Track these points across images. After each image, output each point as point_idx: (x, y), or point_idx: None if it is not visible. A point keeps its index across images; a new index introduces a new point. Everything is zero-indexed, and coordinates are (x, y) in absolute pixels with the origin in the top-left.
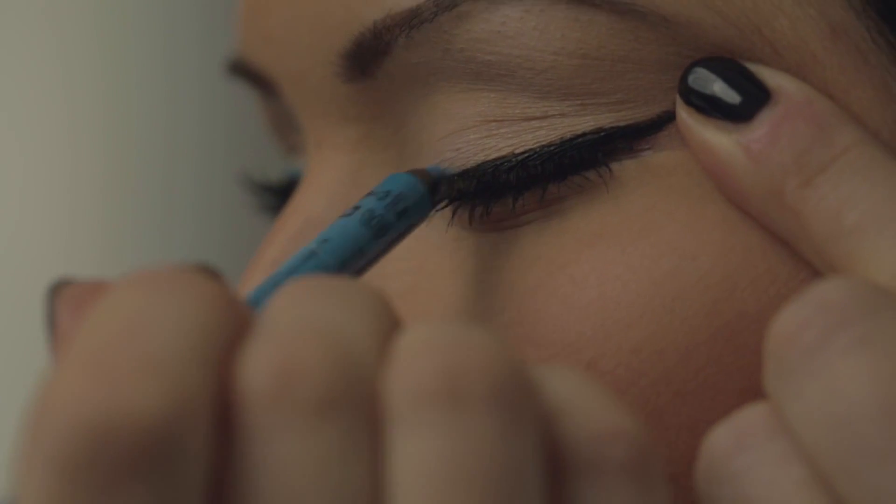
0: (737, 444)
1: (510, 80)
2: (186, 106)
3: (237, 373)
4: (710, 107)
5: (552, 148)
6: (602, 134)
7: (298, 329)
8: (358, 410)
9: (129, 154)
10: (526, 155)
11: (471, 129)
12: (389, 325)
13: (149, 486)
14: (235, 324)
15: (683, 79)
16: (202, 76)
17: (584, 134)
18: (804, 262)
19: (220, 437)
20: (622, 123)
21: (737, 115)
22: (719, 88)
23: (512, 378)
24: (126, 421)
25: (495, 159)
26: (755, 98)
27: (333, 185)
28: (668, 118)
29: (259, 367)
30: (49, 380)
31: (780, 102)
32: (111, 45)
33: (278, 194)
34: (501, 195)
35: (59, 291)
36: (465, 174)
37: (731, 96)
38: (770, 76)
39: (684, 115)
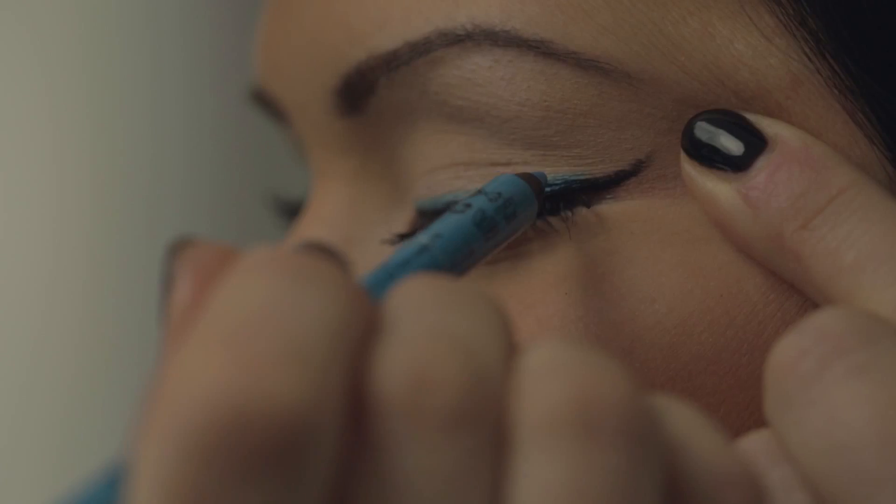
0: None
1: (479, 125)
2: (172, 125)
3: (370, 374)
4: (712, 158)
5: None
6: (561, 186)
7: (433, 335)
8: (487, 427)
9: (114, 175)
10: None
11: (441, 169)
12: (511, 338)
13: (279, 478)
14: (367, 317)
15: (688, 132)
16: (188, 94)
17: (547, 185)
18: (761, 305)
19: (348, 437)
20: (581, 177)
21: (736, 165)
22: (724, 140)
23: (642, 411)
24: (266, 409)
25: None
26: (753, 146)
27: (332, 216)
28: (625, 176)
29: (394, 372)
30: (183, 355)
31: (777, 149)
32: (98, 67)
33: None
34: None
35: (180, 252)
36: (436, 212)
37: (734, 146)
38: (769, 125)
39: (689, 167)
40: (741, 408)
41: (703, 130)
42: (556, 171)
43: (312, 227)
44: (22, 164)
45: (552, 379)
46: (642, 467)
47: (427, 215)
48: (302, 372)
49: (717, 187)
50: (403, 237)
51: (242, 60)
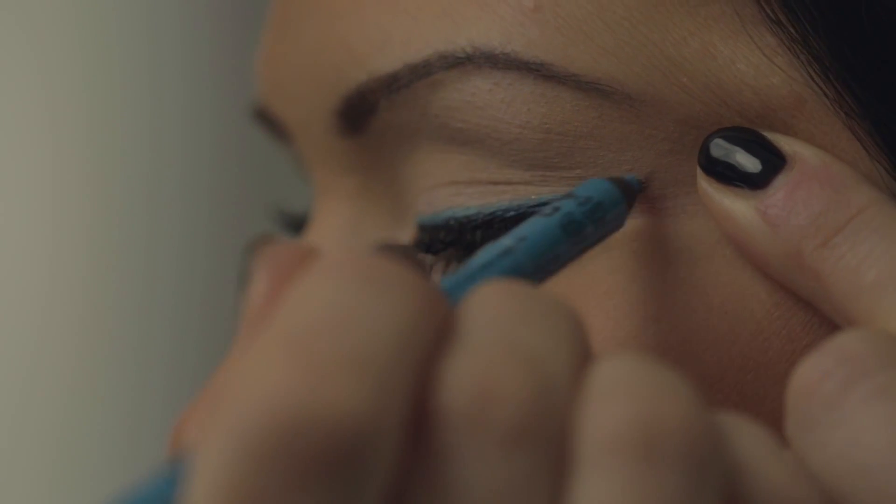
0: None
1: (479, 146)
2: (175, 136)
3: (435, 385)
4: (730, 175)
5: (516, 212)
6: None
7: (502, 349)
8: (549, 443)
9: (115, 185)
10: (492, 212)
11: (441, 186)
12: (585, 351)
13: (336, 487)
14: (438, 323)
15: (704, 150)
16: (192, 103)
17: (547, 203)
18: (766, 322)
19: (408, 447)
20: None
21: (755, 182)
22: (740, 157)
23: (706, 434)
24: (327, 417)
25: (462, 217)
26: (771, 164)
27: (335, 234)
28: None
29: (459, 385)
30: (248, 358)
31: (796, 167)
32: (99, 79)
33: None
34: (472, 251)
35: (259, 249)
36: (435, 227)
37: (750, 164)
38: (787, 143)
39: (705, 184)
40: None
41: (719, 147)
42: (557, 191)
43: (315, 244)
44: (21, 175)
45: (616, 398)
46: (703, 490)
47: (427, 230)
48: (363, 380)
49: (734, 205)
50: None
51: (247, 71)
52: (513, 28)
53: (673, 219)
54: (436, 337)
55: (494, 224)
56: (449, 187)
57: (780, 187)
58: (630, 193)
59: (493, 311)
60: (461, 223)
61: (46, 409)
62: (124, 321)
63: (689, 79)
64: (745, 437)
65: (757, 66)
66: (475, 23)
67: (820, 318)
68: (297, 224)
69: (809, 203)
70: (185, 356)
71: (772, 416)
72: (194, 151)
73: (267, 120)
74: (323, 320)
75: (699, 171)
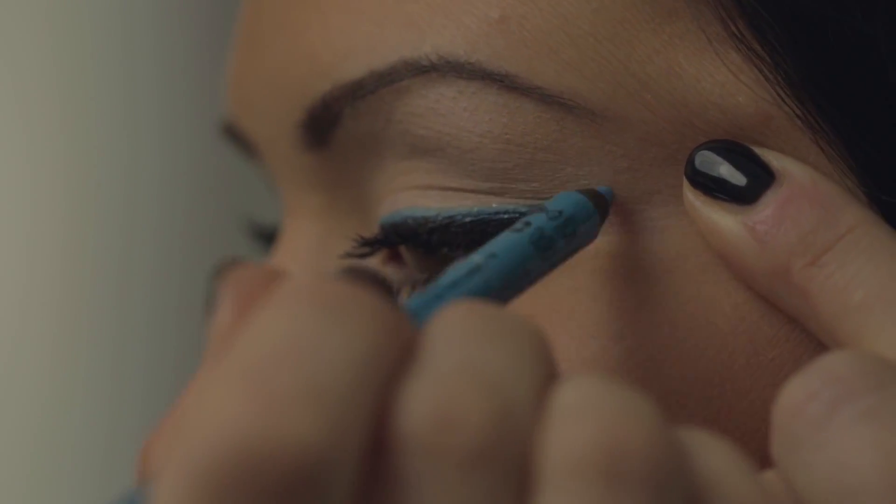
0: None
1: (441, 155)
2: (148, 147)
3: (394, 410)
4: (716, 188)
5: (474, 218)
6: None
7: (462, 373)
8: (509, 466)
9: (90, 191)
10: (451, 216)
11: (405, 190)
12: (548, 371)
13: None
14: (400, 348)
15: (690, 161)
16: (166, 112)
17: (506, 212)
18: (731, 336)
19: (366, 474)
20: None
21: (742, 197)
22: (725, 170)
23: (668, 454)
24: (280, 449)
25: (420, 217)
26: (760, 180)
27: (303, 253)
28: None
29: (418, 409)
30: (206, 388)
31: (785, 184)
32: (75, 95)
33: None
34: (429, 250)
35: (224, 273)
36: (394, 224)
37: (736, 178)
38: (775, 158)
39: (691, 196)
40: None
41: (705, 160)
42: (516, 203)
43: (284, 264)
44: None
45: (578, 420)
46: None
47: (387, 229)
48: (319, 411)
49: (721, 219)
50: (367, 242)
51: (219, 81)
52: (478, 38)
53: (632, 236)
54: (397, 362)
55: (451, 227)
56: (412, 191)
57: (769, 203)
58: (603, 206)
59: (455, 334)
60: (419, 222)
61: (20, 418)
62: (100, 330)
63: (653, 96)
64: (711, 454)
65: (723, 84)
66: (441, 31)
67: (786, 332)
68: (269, 235)
69: (799, 221)
70: (161, 364)
71: (738, 430)
72: (170, 162)
73: (235, 136)
74: (280, 351)
75: (685, 183)
